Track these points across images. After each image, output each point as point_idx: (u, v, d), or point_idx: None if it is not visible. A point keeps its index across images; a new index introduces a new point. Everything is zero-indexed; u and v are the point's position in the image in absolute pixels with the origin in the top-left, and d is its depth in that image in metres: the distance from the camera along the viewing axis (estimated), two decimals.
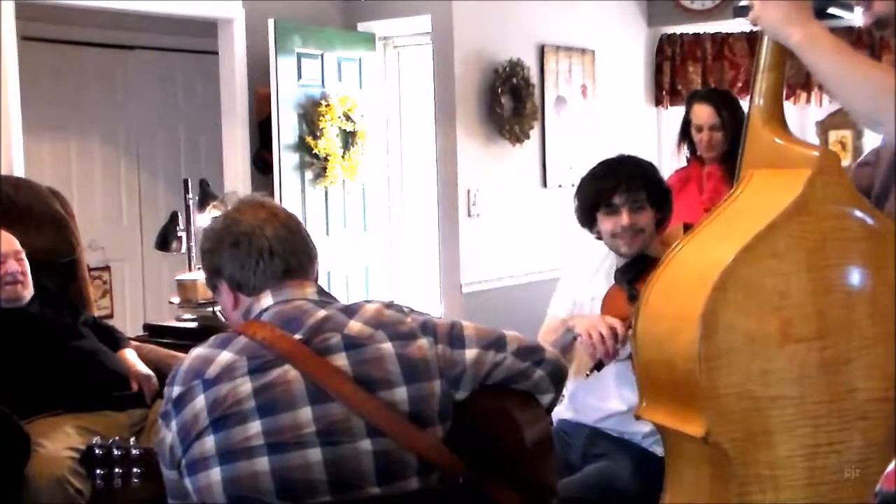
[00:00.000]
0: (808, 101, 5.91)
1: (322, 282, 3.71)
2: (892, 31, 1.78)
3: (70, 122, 5.97)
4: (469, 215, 5.20)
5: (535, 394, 1.92)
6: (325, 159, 5.13)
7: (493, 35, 5.29)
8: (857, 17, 1.85)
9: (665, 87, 6.39)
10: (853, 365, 1.68)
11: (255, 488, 1.68)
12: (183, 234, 4.38)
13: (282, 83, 4.98)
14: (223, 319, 3.33)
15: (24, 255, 3.35)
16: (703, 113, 3.88)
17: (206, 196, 4.41)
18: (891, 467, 1.30)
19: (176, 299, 4.28)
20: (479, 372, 1.85)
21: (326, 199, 5.25)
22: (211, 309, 4.06)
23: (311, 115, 5.11)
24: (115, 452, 1.97)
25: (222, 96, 5.20)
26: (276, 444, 1.69)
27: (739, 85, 6.05)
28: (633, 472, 2.54)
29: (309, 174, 5.14)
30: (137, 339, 3.96)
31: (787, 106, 2.44)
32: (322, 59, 5.20)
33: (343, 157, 5.21)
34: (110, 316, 5.79)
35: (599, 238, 2.76)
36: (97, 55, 6.07)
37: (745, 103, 2.07)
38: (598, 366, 2.48)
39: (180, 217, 4.40)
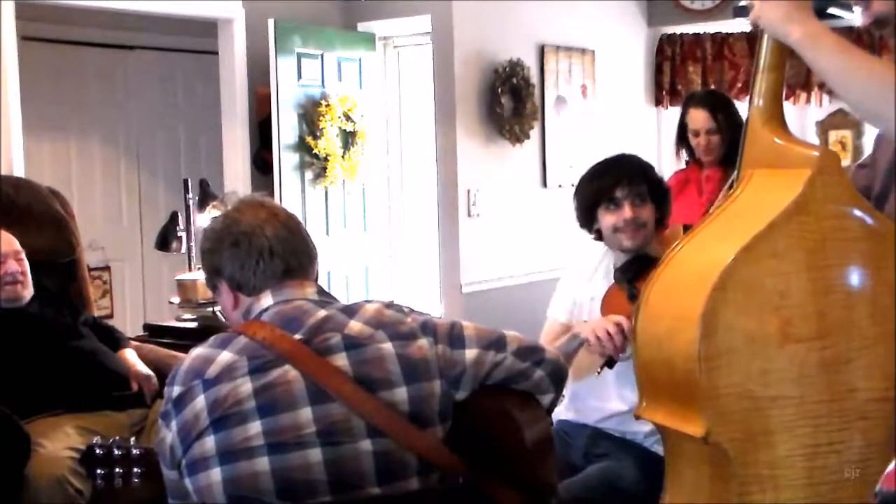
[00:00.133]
0: (808, 101, 5.90)
1: (322, 282, 3.72)
2: (892, 31, 1.79)
3: (70, 122, 5.97)
4: (469, 215, 5.20)
5: (535, 394, 1.92)
6: (325, 159, 5.13)
7: (493, 35, 5.29)
8: (856, 17, 1.85)
9: (665, 87, 6.39)
10: (853, 365, 1.68)
11: (255, 488, 1.68)
12: (183, 234, 4.38)
13: (282, 83, 4.98)
14: (223, 319, 3.32)
15: (24, 255, 3.35)
16: (699, 117, 3.90)
17: (206, 196, 4.41)
18: (891, 467, 1.30)
19: (176, 299, 4.28)
20: (480, 372, 1.85)
21: (326, 199, 5.25)
22: (211, 309, 4.06)
23: (311, 115, 5.11)
24: (116, 452, 1.97)
25: (222, 96, 5.20)
26: (276, 444, 1.69)
27: (739, 85, 6.05)
28: (636, 472, 2.54)
29: (309, 174, 5.14)
30: (137, 339, 3.96)
31: (787, 106, 2.44)
32: (322, 59, 5.20)
33: (343, 157, 5.21)
34: (110, 316, 5.79)
35: (598, 238, 2.76)
36: (97, 55, 6.07)
37: (745, 104, 2.07)
38: (609, 363, 2.48)
39: (180, 217, 4.40)
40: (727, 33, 6.14)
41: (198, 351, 1.80)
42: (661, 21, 6.31)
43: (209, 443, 1.70)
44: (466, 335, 1.87)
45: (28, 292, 3.34)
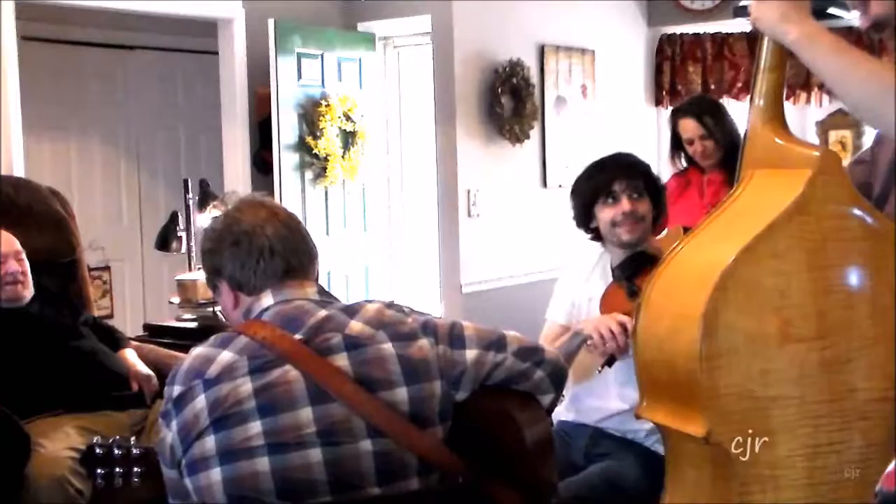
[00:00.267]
0: (808, 101, 5.90)
1: (322, 282, 3.72)
2: (891, 33, 1.78)
3: (70, 122, 5.97)
4: (469, 215, 5.21)
5: (535, 394, 1.92)
6: (325, 159, 5.13)
7: (493, 35, 5.30)
8: (856, 18, 1.85)
9: (665, 87, 6.39)
10: (853, 365, 1.68)
11: (255, 488, 1.68)
12: (183, 234, 4.38)
13: (282, 83, 4.98)
14: (223, 319, 3.32)
15: (24, 255, 3.35)
16: (689, 126, 3.95)
17: (206, 196, 4.41)
18: (891, 467, 1.30)
19: (176, 299, 4.28)
20: (480, 372, 1.85)
21: (326, 199, 5.25)
22: (211, 309, 4.06)
23: (311, 115, 5.11)
24: (116, 452, 1.97)
25: (222, 96, 5.20)
26: (276, 444, 1.69)
27: (739, 85, 6.05)
28: (637, 471, 2.55)
29: (309, 174, 5.14)
30: (137, 339, 3.96)
31: (787, 106, 2.44)
32: (322, 59, 5.20)
33: (343, 157, 5.21)
34: (110, 316, 5.79)
35: (595, 239, 2.77)
36: (97, 55, 6.07)
37: (745, 104, 2.07)
38: (610, 361, 2.49)
39: (180, 217, 4.40)
40: (727, 33, 6.13)
41: (198, 350, 1.80)
42: (661, 21, 6.32)
43: (209, 442, 1.70)
44: (467, 335, 1.87)
45: (28, 292, 3.34)
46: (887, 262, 1.69)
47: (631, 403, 2.54)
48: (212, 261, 1.90)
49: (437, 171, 5.24)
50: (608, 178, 2.68)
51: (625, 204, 2.65)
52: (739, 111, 4.81)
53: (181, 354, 2.12)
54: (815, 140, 5.78)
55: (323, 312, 1.82)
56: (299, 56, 5.08)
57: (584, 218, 2.75)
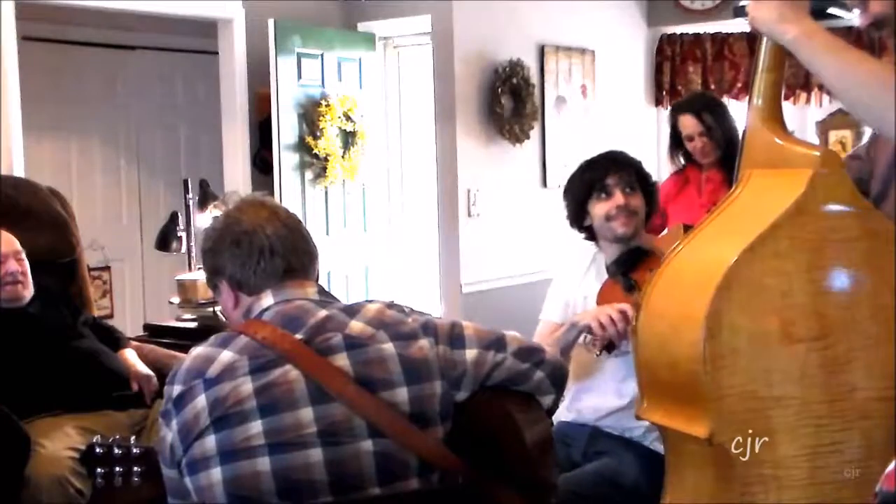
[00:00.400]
0: (808, 101, 5.90)
1: (322, 282, 3.71)
2: (890, 32, 1.78)
3: (70, 122, 5.96)
4: (469, 215, 5.20)
5: (535, 395, 1.92)
6: (325, 159, 5.13)
7: (493, 35, 5.29)
8: (855, 17, 1.85)
9: (665, 87, 6.39)
10: (854, 365, 1.68)
11: (255, 488, 1.68)
12: (183, 234, 4.38)
13: (282, 83, 4.98)
14: (223, 319, 3.32)
15: (24, 255, 3.35)
16: (688, 123, 3.95)
17: (206, 196, 4.41)
18: (891, 467, 1.30)
19: (176, 299, 4.28)
20: (480, 372, 1.85)
21: (326, 199, 5.25)
22: (211, 309, 4.05)
23: (311, 115, 5.11)
24: (116, 451, 1.97)
25: (222, 96, 5.20)
26: (277, 444, 1.69)
27: (739, 85, 6.05)
28: (636, 469, 2.54)
29: (309, 174, 5.14)
30: (137, 339, 3.96)
31: (787, 106, 2.45)
32: (322, 59, 5.20)
33: (343, 157, 5.21)
34: (110, 316, 5.79)
35: (589, 238, 2.78)
36: (97, 55, 6.07)
37: (745, 104, 2.07)
38: (609, 347, 2.48)
39: (180, 217, 4.40)
40: (727, 33, 6.13)
41: (198, 350, 1.79)
42: (661, 21, 6.32)
43: (210, 442, 1.70)
44: (466, 335, 1.87)
45: (28, 292, 3.34)
46: (887, 262, 1.69)
47: (628, 399, 2.54)
48: (212, 260, 1.90)
49: (437, 171, 5.24)
50: (601, 172, 2.71)
51: (618, 197, 2.67)
52: (739, 111, 4.80)
53: (181, 354, 2.12)
54: (815, 140, 5.78)
55: (323, 312, 1.81)
56: (299, 56, 5.07)
57: (578, 216, 2.76)
